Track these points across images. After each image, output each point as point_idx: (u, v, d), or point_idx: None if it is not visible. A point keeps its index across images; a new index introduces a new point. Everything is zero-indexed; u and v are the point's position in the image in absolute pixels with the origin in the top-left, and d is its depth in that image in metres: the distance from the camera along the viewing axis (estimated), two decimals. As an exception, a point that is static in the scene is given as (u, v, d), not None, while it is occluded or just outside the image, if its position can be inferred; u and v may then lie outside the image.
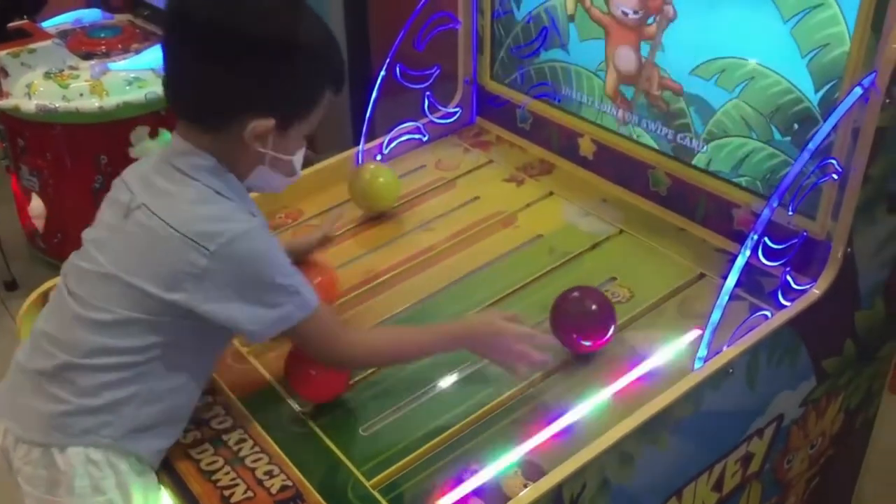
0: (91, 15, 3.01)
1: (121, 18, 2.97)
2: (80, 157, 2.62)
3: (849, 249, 1.28)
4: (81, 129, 2.55)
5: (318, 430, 1.21)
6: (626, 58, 1.55)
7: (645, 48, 1.51)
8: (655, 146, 1.57)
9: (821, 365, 1.37)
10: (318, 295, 1.42)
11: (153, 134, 2.61)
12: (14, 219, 2.88)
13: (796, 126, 1.34)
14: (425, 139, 1.87)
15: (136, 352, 1.10)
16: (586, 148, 1.69)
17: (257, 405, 1.25)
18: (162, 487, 1.18)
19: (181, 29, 1.10)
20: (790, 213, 1.26)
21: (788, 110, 1.34)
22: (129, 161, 1.23)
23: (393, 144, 1.83)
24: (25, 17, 2.84)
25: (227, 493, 1.12)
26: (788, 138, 1.35)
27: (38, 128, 2.58)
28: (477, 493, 1.09)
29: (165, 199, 1.10)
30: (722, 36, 1.39)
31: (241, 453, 1.17)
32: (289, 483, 1.13)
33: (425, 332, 1.27)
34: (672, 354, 1.28)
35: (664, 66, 1.49)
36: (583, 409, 1.20)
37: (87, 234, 1.18)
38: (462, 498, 1.09)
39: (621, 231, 1.56)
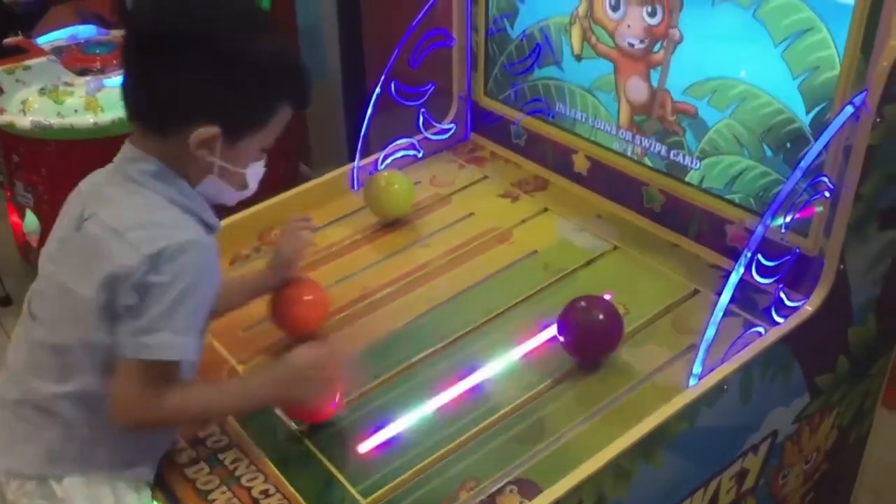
0: (86, 31, 3.01)
1: (116, 34, 2.96)
2: (75, 173, 2.57)
3: (841, 266, 1.28)
4: (76, 146, 2.54)
5: (313, 448, 1.21)
6: (636, 88, 1.54)
7: (654, 76, 1.51)
8: (649, 163, 1.58)
9: (814, 381, 1.38)
10: (309, 313, 1.42)
11: (148, 150, 2.60)
12: (8, 235, 2.87)
13: (788, 145, 1.35)
14: (420, 155, 1.87)
15: (100, 374, 1.08)
16: (580, 164, 1.70)
17: (253, 424, 1.24)
18: (157, 507, 1.18)
19: (135, 34, 1.12)
20: (783, 230, 1.27)
21: (780, 130, 1.35)
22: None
23: (388, 161, 1.83)
24: (20, 33, 2.84)
25: (222, 512, 1.12)
26: (781, 157, 1.36)
27: (33, 144, 2.57)
28: (473, 511, 1.09)
29: (114, 207, 1.10)
30: (715, 57, 1.40)
31: (237, 472, 1.17)
32: (284, 502, 1.13)
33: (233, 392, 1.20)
34: (667, 371, 1.28)
35: (669, 89, 1.50)
36: (578, 427, 1.20)
37: (42, 251, 1.17)
38: (458, 516, 1.09)
39: (615, 247, 1.56)
